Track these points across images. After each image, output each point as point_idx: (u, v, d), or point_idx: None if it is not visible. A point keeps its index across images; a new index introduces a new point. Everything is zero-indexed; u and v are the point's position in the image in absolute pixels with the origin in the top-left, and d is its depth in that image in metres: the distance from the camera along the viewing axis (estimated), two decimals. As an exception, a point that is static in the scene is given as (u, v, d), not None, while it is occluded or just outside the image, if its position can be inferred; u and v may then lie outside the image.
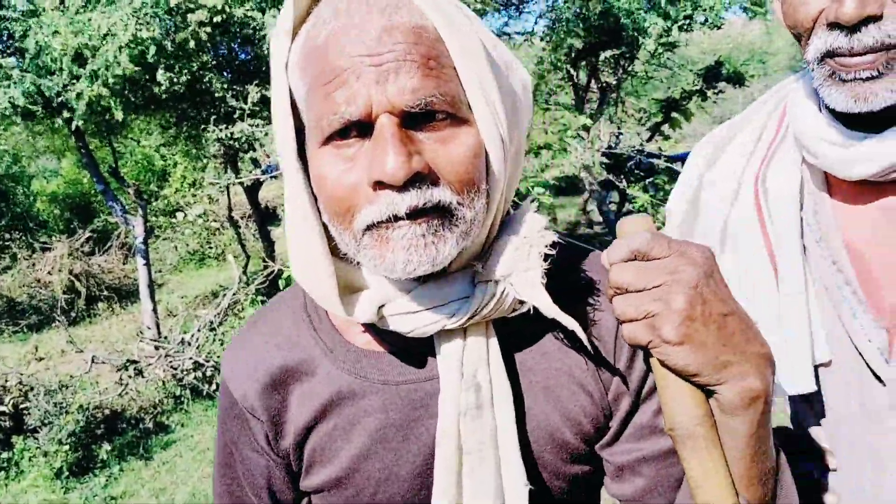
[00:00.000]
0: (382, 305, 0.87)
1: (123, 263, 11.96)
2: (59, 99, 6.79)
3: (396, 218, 0.76)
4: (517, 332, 0.94)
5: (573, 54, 8.66)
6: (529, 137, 7.99)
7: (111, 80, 6.40)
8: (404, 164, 0.73)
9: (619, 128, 8.52)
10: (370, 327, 0.96)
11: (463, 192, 0.79)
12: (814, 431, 1.17)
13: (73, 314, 10.57)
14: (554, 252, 0.86)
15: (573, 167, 7.57)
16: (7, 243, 12.04)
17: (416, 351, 0.94)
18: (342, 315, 0.87)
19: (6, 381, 6.40)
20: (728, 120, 1.31)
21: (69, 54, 6.34)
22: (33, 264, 11.27)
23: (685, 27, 7.71)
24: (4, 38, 7.28)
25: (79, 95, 6.58)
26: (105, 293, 11.14)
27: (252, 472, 1.02)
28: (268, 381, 0.97)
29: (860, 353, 1.08)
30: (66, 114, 7.01)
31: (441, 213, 0.78)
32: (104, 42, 6.25)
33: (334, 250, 0.87)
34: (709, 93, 9.38)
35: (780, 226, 1.15)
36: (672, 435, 0.78)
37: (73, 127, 7.20)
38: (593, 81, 9.58)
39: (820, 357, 1.11)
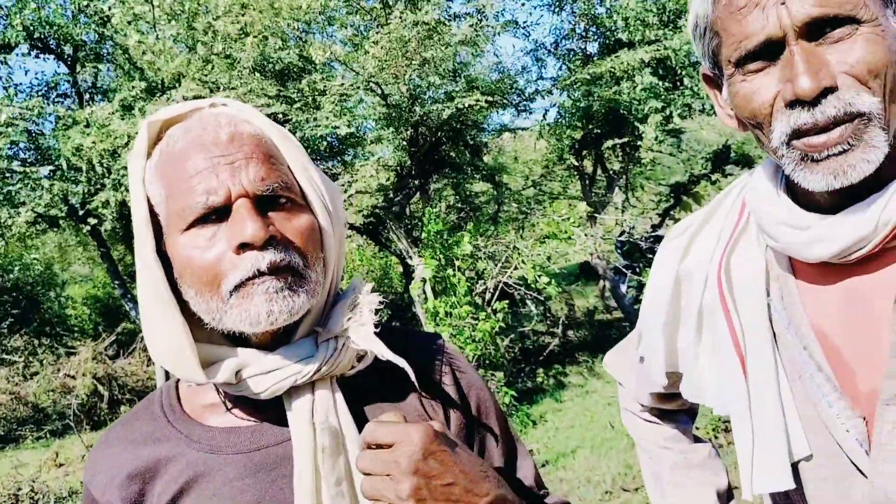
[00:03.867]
0: (239, 370, 0.99)
1: (147, 366, 12.05)
2: (85, 207, 7.09)
3: (260, 273, 0.92)
4: (359, 391, 1.08)
5: (576, 145, 8.85)
6: (535, 227, 8.10)
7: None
8: (262, 228, 0.92)
9: (622, 213, 8.57)
10: (224, 408, 1.08)
11: (307, 257, 0.98)
12: None
13: (95, 418, 10.63)
14: (381, 307, 1.06)
15: (579, 255, 7.62)
16: (35, 349, 12.26)
17: (267, 422, 1.05)
18: (203, 381, 0.99)
19: (19, 489, 6.43)
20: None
21: (95, 158, 6.63)
22: (59, 369, 11.43)
23: (684, 114, 7.86)
24: (35, 151, 7.65)
25: (105, 203, 6.86)
26: (128, 396, 11.21)
27: None
28: (126, 476, 1.04)
29: (839, 445, 1.04)
30: (91, 220, 7.30)
31: (293, 272, 0.95)
32: (126, 147, 6.56)
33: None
34: (714, 176, 9.43)
35: (745, 313, 1.14)
36: None
37: (93, 232, 7.50)
38: (600, 170, 9.74)
39: (798, 452, 1.07)
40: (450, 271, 7.01)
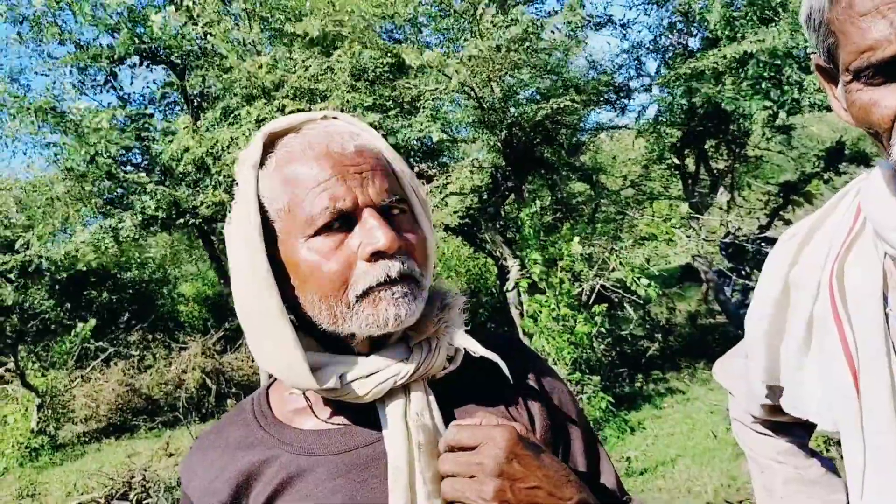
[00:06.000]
0: (342, 375, 1.02)
1: (252, 361, 12.50)
2: (188, 205, 7.42)
3: (389, 279, 0.97)
4: (446, 393, 1.09)
5: (677, 143, 8.57)
6: (634, 228, 7.90)
7: (231, 185, 6.99)
8: (395, 237, 0.97)
9: (727, 213, 8.23)
10: (313, 413, 1.10)
11: (422, 266, 1.03)
12: None
13: (203, 411, 11.12)
14: (468, 306, 1.10)
15: (681, 257, 7.38)
16: (149, 344, 12.94)
17: (357, 425, 1.07)
18: (315, 387, 1.01)
19: (132, 476, 6.81)
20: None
21: (195, 163, 6.92)
22: (170, 363, 12.02)
23: (793, 110, 7.46)
24: (143, 156, 8.05)
25: (207, 205, 7.16)
26: (234, 390, 11.67)
27: None
28: (222, 481, 1.06)
29: None
30: (194, 221, 7.64)
31: (413, 280, 1.01)
32: (227, 151, 6.82)
33: None
34: (827, 174, 8.93)
35: (860, 324, 1.06)
36: None
37: (200, 232, 7.85)
38: (703, 169, 9.39)
39: None
40: (544, 271, 6.93)
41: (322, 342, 1.05)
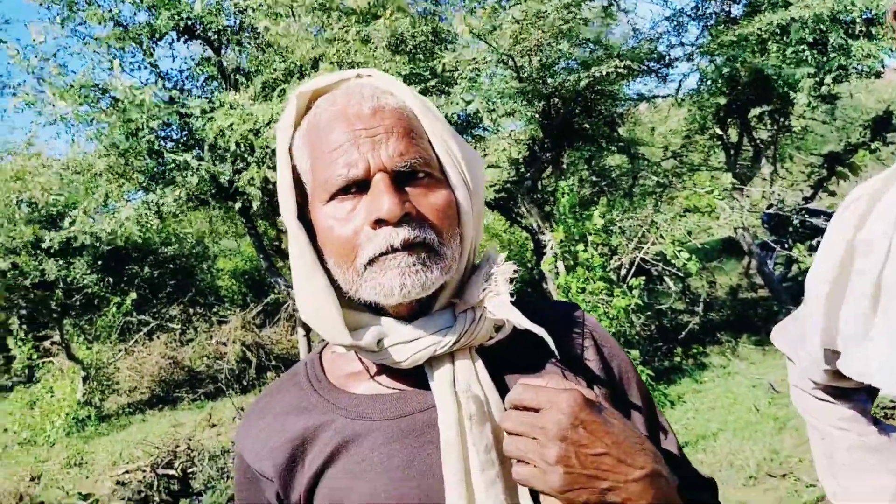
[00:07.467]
0: (381, 340, 1.02)
1: (290, 335, 12.66)
2: (233, 186, 7.45)
3: (393, 249, 0.94)
4: (499, 360, 1.08)
5: (720, 113, 8.38)
6: (675, 201, 7.77)
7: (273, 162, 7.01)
8: (398, 205, 0.93)
9: (771, 185, 8.05)
10: (367, 376, 1.10)
11: (442, 234, 0.99)
12: None
13: (244, 383, 11.30)
14: (516, 275, 1.05)
15: (723, 230, 7.25)
16: (191, 317, 13.17)
17: (411, 390, 1.07)
18: (348, 342, 1.02)
19: (177, 446, 6.95)
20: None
21: (238, 140, 6.93)
22: (211, 336, 12.22)
23: (839, 78, 7.24)
24: (185, 134, 8.08)
25: (251, 181, 7.17)
26: (273, 363, 11.83)
27: None
28: (277, 445, 1.07)
29: None
30: (239, 199, 7.67)
31: (427, 249, 0.97)
32: (268, 127, 6.83)
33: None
34: (874, 144, 8.67)
35: None
36: None
37: (240, 209, 7.88)
38: (746, 139, 9.18)
39: None
40: (581, 246, 6.86)
41: (368, 305, 1.04)
